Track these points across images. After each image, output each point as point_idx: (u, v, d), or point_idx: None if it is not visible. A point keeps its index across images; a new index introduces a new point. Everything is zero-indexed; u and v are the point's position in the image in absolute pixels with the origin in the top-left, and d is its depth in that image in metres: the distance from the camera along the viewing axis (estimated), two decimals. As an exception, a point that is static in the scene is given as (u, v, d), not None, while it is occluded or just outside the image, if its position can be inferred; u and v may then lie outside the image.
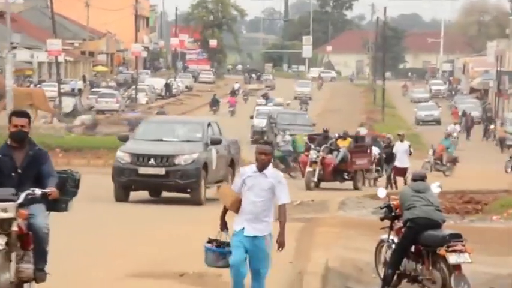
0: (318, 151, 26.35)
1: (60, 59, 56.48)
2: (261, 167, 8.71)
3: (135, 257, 12.63)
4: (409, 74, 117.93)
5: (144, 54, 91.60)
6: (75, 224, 14.18)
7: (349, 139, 28.00)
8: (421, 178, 10.98)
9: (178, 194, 20.85)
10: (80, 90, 67.11)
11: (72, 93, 58.70)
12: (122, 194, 20.41)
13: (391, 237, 11.13)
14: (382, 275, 11.13)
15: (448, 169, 35.08)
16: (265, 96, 67.99)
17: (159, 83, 77.65)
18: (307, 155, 26.57)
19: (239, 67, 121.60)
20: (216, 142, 20.75)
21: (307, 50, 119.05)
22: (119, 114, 56.57)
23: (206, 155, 20.46)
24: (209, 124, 21.74)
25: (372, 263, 11.86)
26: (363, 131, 41.15)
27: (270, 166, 8.75)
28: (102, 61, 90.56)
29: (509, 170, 37.03)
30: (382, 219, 11.30)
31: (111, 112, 57.51)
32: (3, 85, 34.56)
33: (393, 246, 11.00)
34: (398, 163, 27.62)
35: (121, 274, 11.14)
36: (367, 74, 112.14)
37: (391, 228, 11.15)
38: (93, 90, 67.17)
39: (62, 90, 50.80)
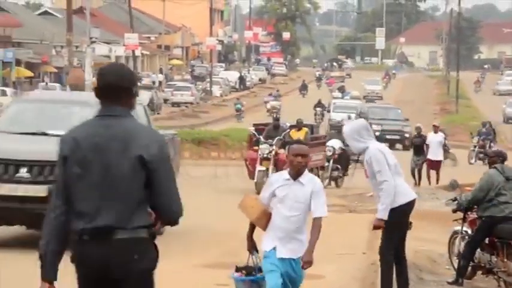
0: (271, 144, 21.06)
1: (137, 52, 57.52)
2: (296, 173, 6.95)
3: (202, 250, 12.48)
4: (485, 65, 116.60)
5: (219, 47, 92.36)
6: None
7: (305, 129, 22.81)
8: (505, 158, 10.64)
9: None
10: (160, 82, 68.27)
11: (148, 86, 59.73)
12: None
13: (464, 228, 11.12)
14: (456, 266, 11.14)
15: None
16: (341, 90, 66.81)
17: (233, 75, 78.37)
18: (256, 150, 21.15)
19: (297, 61, 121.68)
20: None
21: (380, 42, 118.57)
22: (193, 107, 57.46)
23: None
24: None
25: (446, 254, 11.97)
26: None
27: (306, 171, 7.02)
28: (177, 55, 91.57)
29: (472, 160, 34.02)
30: (454, 211, 11.23)
31: (186, 105, 58.46)
32: (82, 79, 35.41)
33: (466, 238, 10.99)
34: (431, 156, 24.90)
35: (190, 264, 11.23)
36: (438, 65, 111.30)
37: (464, 220, 11.14)
38: (168, 83, 68.23)
39: (139, 84, 51.74)
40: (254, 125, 23.73)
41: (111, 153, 4.54)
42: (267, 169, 20.66)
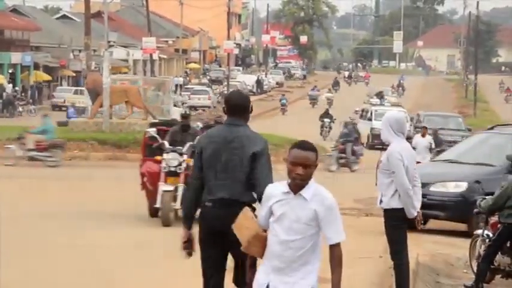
0: (181, 153, 14.98)
1: (155, 56, 57.68)
2: (297, 186, 5.41)
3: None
4: (503, 68, 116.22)
5: (236, 51, 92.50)
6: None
7: None
8: None
9: None
10: (180, 86, 68.47)
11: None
12: None
13: (486, 232, 11.09)
14: (475, 270, 11.11)
15: None
16: (379, 95, 63.53)
17: (250, 79, 78.45)
18: (158, 161, 15.13)
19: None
20: None
21: (397, 45, 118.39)
22: (210, 111, 57.55)
23: None
24: None
25: (463, 258, 11.98)
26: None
27: (312, 183, 5.41)
28: (195, 58, 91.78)
29: (333, 167, 28.70)
30: (477, 214, 11.27)
31: (204, 108, 58.58)
32: (100, 82, 35.49)
33: (487, 241, 10.96)
34: (420, 159, 22.84)
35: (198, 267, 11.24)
36: (459, 68, 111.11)
37: (486, 222, 11.13)
38: (186, 87, 68.37)
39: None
40: (153, 124, 17.17)
41: (235, 148, 6.59)
42: (176, 189, 14.74)
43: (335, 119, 44.83)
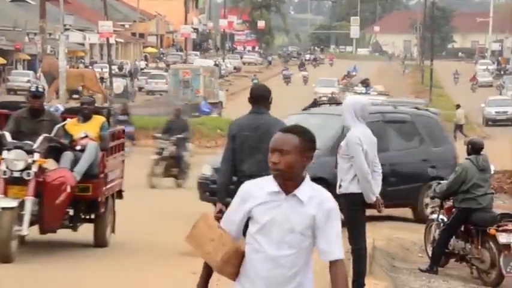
0: (30, 151, 10.41)
1: (111, 40, 57.12)
2: (287, 183, 4.17)
3: (178, 238, 12.56)
4: (459, 53, 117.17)
5: (193, 35, 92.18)
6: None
7: (100, 118, 11.54)
8: (482, 148, 10.74)
9: None
10: (142, 69, 68.02)
11: (122, 74, 59.50)
12: None
13: (441, 216, 11.20)
14: (430, 254, 11.26)
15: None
16: (364, 83, 60.06)
17: (207, 64, 78.26)
18: None
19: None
20: None
21: (354, 31, 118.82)
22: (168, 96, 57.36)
23: None
24: None
25: (419, 242, 12.11)
26: None
27: (308, 180, 4.20)
28: (152, 43, 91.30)
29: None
30: (432, 198, 11.43)
31: (161, 93, 58.33)
32: (56, 66, 35.29)
33: (442, 225, 11.06)
34: None
35: (167, 252, 11.21)
36: (415, 54, 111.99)
37: (441, 207, 11.25)
38: (143, 71, 68.02)
39: (114, 72, 51.55)
40: None
41: (261, 132, 7.89)
42: (22, 204, 10.11)
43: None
